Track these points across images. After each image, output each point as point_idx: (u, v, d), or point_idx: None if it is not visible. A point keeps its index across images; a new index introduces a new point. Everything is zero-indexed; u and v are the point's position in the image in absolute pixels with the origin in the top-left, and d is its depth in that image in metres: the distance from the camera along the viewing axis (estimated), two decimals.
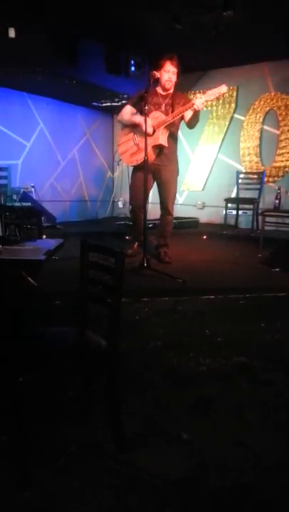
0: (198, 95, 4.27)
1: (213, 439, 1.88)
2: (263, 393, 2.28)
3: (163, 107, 4.38)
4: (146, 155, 4.08)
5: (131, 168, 4.66)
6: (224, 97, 7.94)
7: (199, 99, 4.14)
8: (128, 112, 4.46)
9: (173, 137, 4.50)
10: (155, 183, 4.63)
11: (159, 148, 4.38)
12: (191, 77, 8.09)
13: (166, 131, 4.35)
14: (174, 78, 4.32)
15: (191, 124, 4.42)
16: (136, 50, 6.86)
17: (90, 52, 6.55)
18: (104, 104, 8.21)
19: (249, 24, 5.70)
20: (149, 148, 4.25)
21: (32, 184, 7.06)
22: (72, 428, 1.93)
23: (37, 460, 1.67)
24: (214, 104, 8.02)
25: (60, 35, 5.95)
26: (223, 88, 4.20)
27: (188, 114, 4.30)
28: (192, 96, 8.18)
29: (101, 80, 6.80)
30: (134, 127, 4.44)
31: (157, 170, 4.47)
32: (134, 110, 4.44)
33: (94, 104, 8.27)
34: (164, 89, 4.38)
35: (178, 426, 1.95)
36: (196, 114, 4.26)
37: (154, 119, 4.30)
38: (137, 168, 4.53)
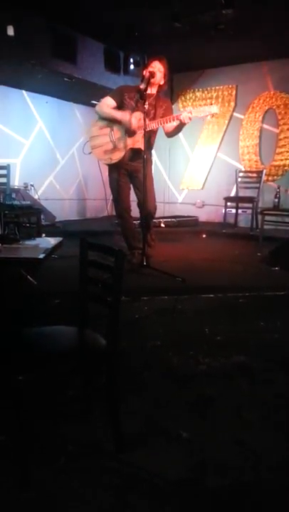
0: (187, 109, 4.18)
1: (213, 438, 1.88)
2: (262, 392, 2.28)
3: (146, 107, 4.20)
4: (145, 153, 4.07)
5: None
6: (224, 96, 7.95)
7: (186, 113, 4.04)
8: (109, 104, 4.33)
9: (149, 143, 4.38)
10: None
11: (134, 151, 4.30)
12: (191, 75, 8.09)
13: (145, 136, 4.20)
14: (159, 76, 4.18)
15: (171, 134, 4.38)
16: (135, 48, 6.86)
17: (90, 50, 6.54)
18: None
19: (248, 22, 5.70)
20: (126, 150, 4.21)
21: (31, 183, 7.05)
22: (72, 427, 1.92)
23: (37, 460, 1.67)
24: (213, 103, 8.01)
25: (60, 34, 5.94)
26: (214, 108, 4.13)
27: (170, 125, 4.23)
28: (191, 95, 8.19)
29: (100, 78, 6.80)
30: (112, 122, 4.30)
31: (133, 170, 4.37)
32: (114, 103, 4.31)
33: (93, 102, 8.23)
34: (150, 87, 4.19)
35: (178, 425, 1.94)
36: (180, 127, 4.20)
37: (136, 120, 4.18)
38: (112, 169, 4.44)
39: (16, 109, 7.29)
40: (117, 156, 4.27)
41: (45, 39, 5.81)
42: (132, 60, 7.01)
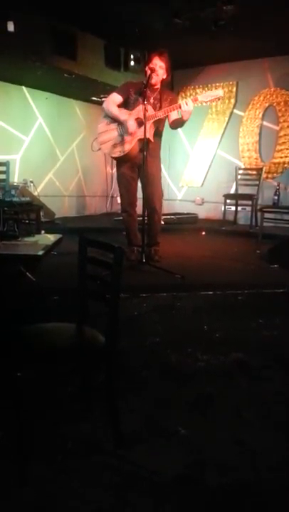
0: (189, 99, 4.17)
1: (213, 436, 1.88)
2: (261, 390, 2.28)
3: (151, 100, 4.29)
4: (144, 151, 4.06)
5: None
6: (224, 93, 7.92)
7: (187, 105, 4.06)
8: (115, 101, 4.34)
9: (158, 134, 4.43)
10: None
11: (143, 143, 4.26)
12: (191, 72, 8.07)
13: (153, 127, 4.28)
14: (160, 72, 4.21)
15: (175, 126, 4.42)
16: (135, 44, 6.83)
17: (90, 46, 6.52)
18: (103, 99, 8.14)
19: (249, 19, 5.67)
20: (135, 141, 4.22)
21: (31, 179, 7.03)
22: (72, 426, 1.92)
23: (36, 458, 1.67)
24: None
25: (60, 30, 5.92)
26: (220, 92, 4.15)
27: (174, 115, 4.26)
28: (191, 91, 8.17)
29: (100, 75, 6.78)
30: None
31: (142, 163, 4.35)
32: (121, 99, 4.33)
33: (93, 98, 8.23)
34: (152, 84, 4.25)
35: (177, 423, 1.95)
36: (182, 122, 4.27)
37: (142, 112, 4.17)
38: (121, 163, 4.44)
39: (16, 105, 7.27)
40: (126, 148, 4.27)
41: (46, 35, 5.79)
42: (132, 57, 6.98)
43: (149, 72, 4.14)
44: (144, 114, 4.03)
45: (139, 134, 4.19)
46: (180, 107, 4.13)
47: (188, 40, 6.29)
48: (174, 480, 1.60)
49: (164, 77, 4.28)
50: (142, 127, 4.16)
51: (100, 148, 4.49)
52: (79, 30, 6.23)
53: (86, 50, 6.43)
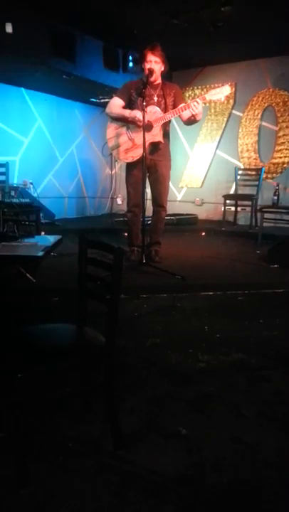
0: (197, 99, 4.15)
1: (212, 436, 1.89)
2: (261, 390, 2.28)
3: (155, 98, 4.29)
4: (144, 151, 4.06)
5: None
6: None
7: (197, 109, 4.10)
8: (117, 105, 4.35)
9: (166, 133, 4.46)
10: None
11: (154, 145, 4.34)
12: (189, 73, 8.08)
13: (161, 129, 4.31)
14: (157, 67, 4.20)
15: (189, 123, 4.42)
16: (134, 45, 6.83)
17: (88, 47, 6.52)
18: (102, 100, 8.18)
19: (247, 20, 5.68)
20: (146, 145, 4.23)
21: (30, 180, 7.04)
22: (71, 425, 1.92)
23: (36, 457, 1.67)
24: (212, 100, 7.99)
25: (58, 31, 5.92)
26: (226, 89, 4.17)
27: (186, 113, 4.26)
28: (190, 93, 8.17)
29: (99, 76, 6.78)
30: (126, 121, 4.34)
31: (153, 165, 4.41)
32: (122, 103, 4.34)
33: (92, 100, 8.24)
34: (152, 80, 4.24)
35: (176, 423, 1.95)
36: (196, 121, 4.31)
37: (151, 114, 4.21)
38: (132, 165, 4.45)
39: (15, 106, 7.27)
40: (138, 154, 4.27)
41: (44, 37, 5.79)
42: (130, 58, 6.99)
43: (146, 72, 4.14)
44: (144, 116, 4.03)
45: (149, 138, 4.18)
46: (189, 107, 4.13)
47: (187, 41, 6.30)
48: (173, 479, 1.61)
49: (162, 69, 4.28)
50: (152, 131, 4.20)
51: (111, 154, 4.52)
52: (77, 31, 6.23)
53: (85, 52, 6.43)
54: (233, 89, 7.74)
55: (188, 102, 4.21)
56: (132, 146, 4.35)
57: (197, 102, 4.11)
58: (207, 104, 7.98)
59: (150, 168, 4.41)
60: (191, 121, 4.35)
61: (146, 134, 4.14)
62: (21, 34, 5.39)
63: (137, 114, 4.15)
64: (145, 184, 4.26)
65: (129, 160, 4.41)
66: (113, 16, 5.70)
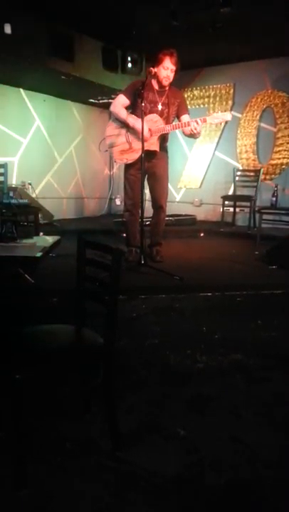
0: (198, 119, 4.16)
1: (211, 436, 1.88)
2: (259, 391, 2.29)
3: (159, 107, 4.31)
4: (142, 154, 4.07)
5: None
6: (221, 94, 7.96)
7: (196, 130, 4.17)
8: (122, 103, 4.35)
9: (165, 138, 4.50)
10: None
11: (150, 152, 4.33)
12: (188, 73, 8.07)
13: (158, 140, 4.34)
14: (172, 76, 4.23)
15: (188, 137, 4.49)
16: (133, 46, 6.84)
17: (87, 48, 6.53)
18: (101, 101, 8.19)
19: (246, 21, 5.69)
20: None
21: (29, 181, 7.03)
22: (70, 425, 1.92)
23: (35, 457, 1.67)
24: (211, 101, 8.02)
25: (57, 32, 5.92)
26: (228, 116, 4.21)
27: (187, 129, 4.27)
28: (189, 93, 8.18)
29: (98, 77, 6.79)
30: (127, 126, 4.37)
31: (150, 166, 4.41)
32: (128, 102, 4.35)
33: (91, 100, 8.24)
34: (161, 86, 4.31)
35: (175, 423, 1.95)
36: (195, 138, 4.47)
37: (152, 123, 4.23)
38: (130, 165, 4.46)
39: (14, 107, 7.27)
40: (132, 157, 4.32)
41: (43, 37, 5.80)
42: (129, 59, 7.00)
43: (165, 81, 4.21)
44: (143, 117, 4.04)
45: (146, 146, 4.18)
46: (189, 125, 4.17)
47: (186, 42, 6.30)
48: (173, 479, 1.61)
49: (172, 78, 4.29)
50: (149, 139, 4.22)
51: (107, 150, 4.52)
52: (76, 32, 6.24)
53: (83, 52, 6.44)
54: (232, 91, 7.76)
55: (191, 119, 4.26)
56: (128, 149, 4.36)
57: (197, 122, 4.14)
58: (206, 105, 8.00)
59: (147, 170, 4.41)
60: (190, 136, 4.41)
61: (147, 137, 4.17)
62: (20, 35, 5.39)
63: (136, 123, 4.16)
64: (144, 184, 4.27)
65: (124, 161, 4.45)
66: (112, 17, 5.71)
